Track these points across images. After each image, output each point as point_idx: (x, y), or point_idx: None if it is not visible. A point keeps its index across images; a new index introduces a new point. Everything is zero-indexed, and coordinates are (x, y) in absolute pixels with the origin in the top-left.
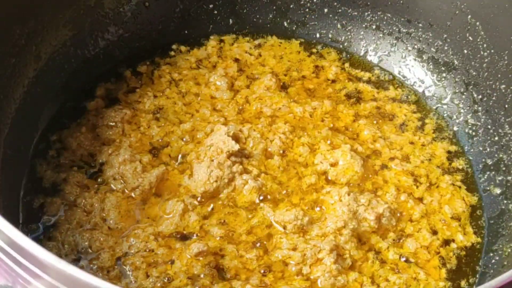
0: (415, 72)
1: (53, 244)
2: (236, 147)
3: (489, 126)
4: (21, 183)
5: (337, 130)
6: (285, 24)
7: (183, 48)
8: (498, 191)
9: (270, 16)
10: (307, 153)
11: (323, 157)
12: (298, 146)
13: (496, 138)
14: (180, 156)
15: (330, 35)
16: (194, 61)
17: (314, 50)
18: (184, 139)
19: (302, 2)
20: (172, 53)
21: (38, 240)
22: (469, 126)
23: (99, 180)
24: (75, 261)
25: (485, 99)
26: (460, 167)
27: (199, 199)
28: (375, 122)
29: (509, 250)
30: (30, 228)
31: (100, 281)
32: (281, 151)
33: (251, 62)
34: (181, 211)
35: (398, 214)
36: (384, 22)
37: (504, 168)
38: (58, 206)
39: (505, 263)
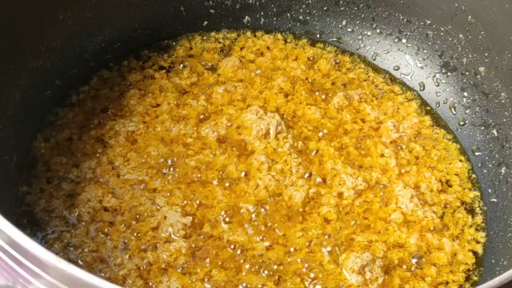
0: (415, 72)
1: None
2: None
3: (490, 126)
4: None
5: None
6: (286, 23)
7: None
8: (498, 191)
9: (270, 13)
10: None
11: None
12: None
13: (498, 139)
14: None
15: (330, 35)
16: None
17: (311, 51)
18: None
19: (302, 0)
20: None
21: None
22: (469, 126)
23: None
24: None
25: (485, 99)
26: (460, 168)
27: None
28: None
29: (509, 251)
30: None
31: (100, 281)
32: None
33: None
34: None
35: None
36: (384, 22)
37: (505, 169)
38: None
39: (505, 263)
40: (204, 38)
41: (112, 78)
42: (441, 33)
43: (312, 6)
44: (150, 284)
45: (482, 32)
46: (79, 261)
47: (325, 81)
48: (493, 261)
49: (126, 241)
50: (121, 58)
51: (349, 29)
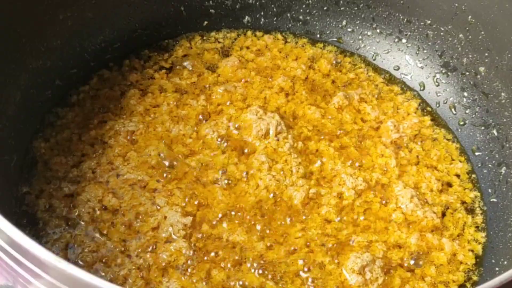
0: (415, 72)
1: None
2: None
3: (490, 126)
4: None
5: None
6: (286, 23)
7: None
8: (498, 191)
9: (270, 13)
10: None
11: None
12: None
13: (498, 139)
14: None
15: (330, 35)
16: (168, 66)
17: (311, 50)
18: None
19: (302, 0)
20: (151, 64)
21: None
22: (469, 126)
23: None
24: None
25: (485, 99)
26: (460, 168)
27: None
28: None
29: (509, 251)
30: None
31: (100, 281)
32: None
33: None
34: None
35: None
36: (384, 22)
37: (505, 169)
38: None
39: (505, 263)
40: (204, 38)
41: (112, 78)
42: (441, 33)
43: (312, 6)
44: (150, 284)
45: (482, 32)
46: (79, 261)
47: (325, 81)
48: (493, 261)
49: (126, 241)
50: (121, 58)
51: (349, 29)
